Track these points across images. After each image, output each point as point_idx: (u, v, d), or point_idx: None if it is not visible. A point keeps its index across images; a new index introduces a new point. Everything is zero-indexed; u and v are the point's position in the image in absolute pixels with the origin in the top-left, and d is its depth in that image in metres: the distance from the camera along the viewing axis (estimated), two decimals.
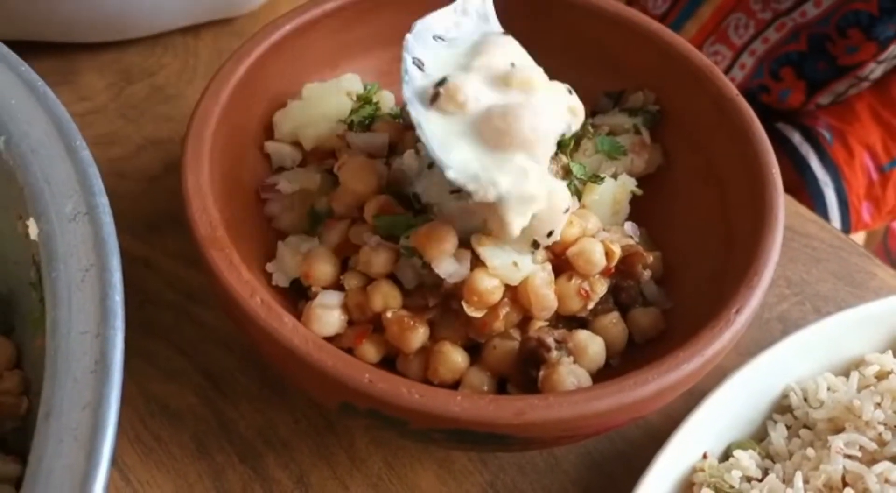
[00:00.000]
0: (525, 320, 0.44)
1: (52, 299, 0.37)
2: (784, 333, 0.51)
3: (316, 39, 0.52)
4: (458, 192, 0.41)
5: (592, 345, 0.43)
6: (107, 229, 0.38)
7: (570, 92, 0.44)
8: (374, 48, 0.55)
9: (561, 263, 0.44)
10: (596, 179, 0.47)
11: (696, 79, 0.51)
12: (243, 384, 0.49)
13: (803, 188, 0.88)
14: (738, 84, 0.89)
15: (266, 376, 0.49)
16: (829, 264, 0.59)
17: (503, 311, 0.42)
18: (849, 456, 0.42)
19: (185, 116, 0.56)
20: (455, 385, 0.43)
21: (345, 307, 0.44)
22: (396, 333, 0.43)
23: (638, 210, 0.50)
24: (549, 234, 0.42)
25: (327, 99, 0.51)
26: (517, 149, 0.40)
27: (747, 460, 0.43)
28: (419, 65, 0.42)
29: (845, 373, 0.48)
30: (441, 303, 0.43)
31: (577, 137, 0.49)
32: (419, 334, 0.43)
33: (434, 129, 0.40)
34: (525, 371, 0.42)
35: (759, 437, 0.47)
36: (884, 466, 0.41)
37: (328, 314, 0.43)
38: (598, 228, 0.46)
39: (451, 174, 0.39)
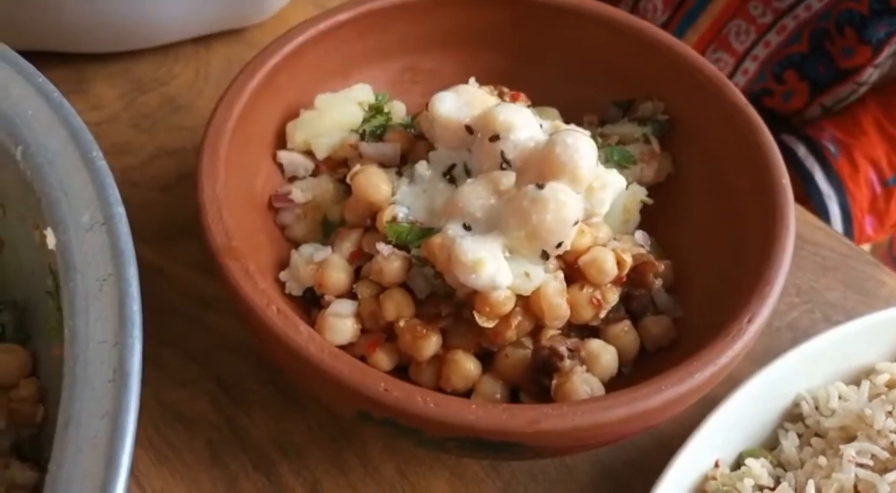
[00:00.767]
0: (537, 328, 0.44)
1: (70, 308, 0.37)
2: (794, 341, 0.51)
3: (328, 50, 0.53)
4: None
5: (605, 354, 0.43)
6: (124, 239, 0.39)
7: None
8: (387, 58, 0.55)
9: (573, 272, 0.44)
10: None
11: (705, 88, 0.51)
12: (256, 392, 0.49)
13: (807, 201, 0.88)
14: (741, 89, 0.90)
15: (279, 383, 0.49)
16: (837, 273, 0.59)
17: (515, 320, 0.43)
18: (861, 465, 0.42)
19: (197, 126, 0.57)
20: (467, 394, 0.44)
21: (358, 316, 0.44)
22: (409, 341, 0.43)
23: (648, 219, 0.50)
24: (559, 245, 0.42)
25: (340, 109, 0.51)
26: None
27: (759, 468, 0.43)
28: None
29: (856, 382, 0.48)
30: (453, 312, 0.44)
31: None
32: (432, 343, 0.43)
33: None
34: (537, 380, 0.43)
35: (769, 445, 0.47)
36: None
37: (341, 323, 0.43)
38: (610, 237, 0.46)
39: None
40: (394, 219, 0.45)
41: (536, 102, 0.53)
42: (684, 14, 0.91)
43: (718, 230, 0.49)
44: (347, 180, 0.47)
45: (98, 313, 0.36)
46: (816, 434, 0.46)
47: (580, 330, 0.45)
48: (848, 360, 0.49)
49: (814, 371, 0.48)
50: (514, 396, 0.44)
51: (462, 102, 0.47)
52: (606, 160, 0.51)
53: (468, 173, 0.47)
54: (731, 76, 0.92)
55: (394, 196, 0.46)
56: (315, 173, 0.51)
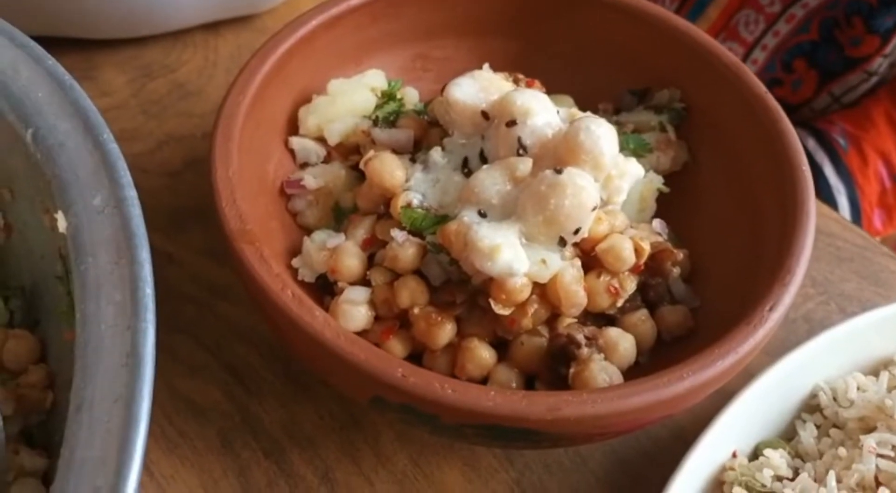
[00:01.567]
0: (553, 316, 0.43)
1: (82, 292, 0.36)
2: (810, 332, 0.51)
3: (341, 35, 0.52)
4: None
5: (623, 342, 0.43)
6: (136, 222, 0.38)
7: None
8: (399, 44, 0.55)
9: (590, 260, 0.44)
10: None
11: (722, 76, 0.51)
12: (268, 380, 0.48)
13: (816, 195, 0.87)
14: None
15: (290, 371, 0.49)
16: (853, 264, 0.59)
17: (532, 308, 0.42)
18: (881, 456, 0.41)
19: (206, 113, 0.56)
20: (482, 382, 0.43)
21: (371, 303, 0.43)
22: (423, 329, 0.42)
23: (664, 208, 0.50)
24: (577, 231, 0.42)
25: (352, 95, 0.51)
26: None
27: (778, 459, 0.43)
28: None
29: (874, 373, 0.48)
30: (468, 299, 0.43)
31: None
32: (446, 331, 0.42)
33: None
34: (554, 368, 0.42)
35: (787, 437, 0.46)
36: None
37: (355, 310, 0.43)
38: (626, 225, 0.46)
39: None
40: (408, 205, 0.44)
41: (551, 90, 0.52)
42: (693, 4, 0.90)
43: (736, 219, 0.48)
44: (360, 167, 0.47)
45: (110, 296, 0.36)
46: (835, 425, 0.46)
47: (597, 319, 0.45)
48: (866, 351, 0.48)
49: (831, 362, 0.48)
50: (529, 385, 0.44)
51: (478, 88, 0.46)
52: (622, 148, 0.50)
53: (484, 160, 0.46)
54: None
55: (408, 183, 0.45)
56: (327, 160, 0.51)
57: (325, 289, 0.45)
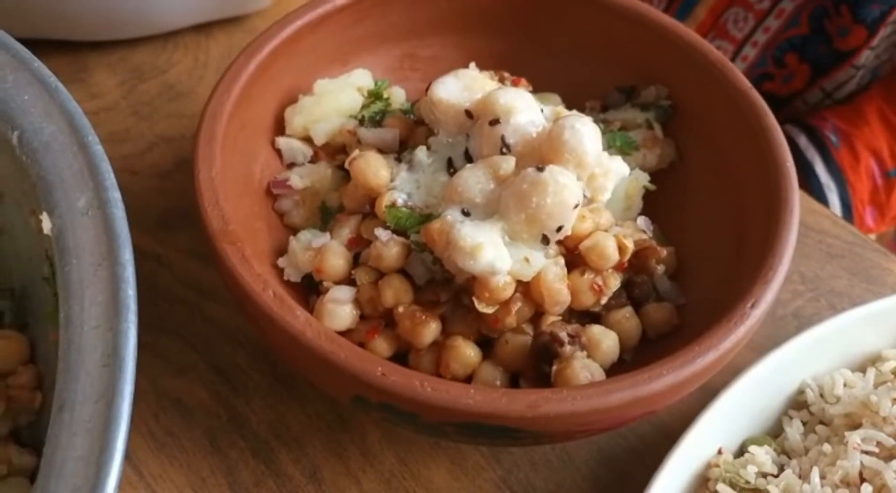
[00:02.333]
0: (537, 314, 0.43)
1: (65, 293, 0.37)
2: (799, 329, 0.50)
3: (327, 35, 0.52)
4: None
5: (606, 340, 0.43)
6: (119, 223, 0.38)
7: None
8: (386, 44, 0.55)
9: (574, 257, 0.44)
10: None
11: (708, 73, 0.50)
12: (255, 380, 0.49)
13: (807, 192, 0.87)
14: None
15: (277, 371, 0.49)
16: (843, 261, 0.58)
17: (515, 306, 0.42)
18: (866, 452, 0.41)
19: (197, 114, 0.56)
20: (467, 381, 0.43)
21: (356, 302, 0.44)
22: (408, 328, 0.42)
23: (650, 205, 0.50)
24: (559, 229, 0.42)
25: (338, 95, 0.51)
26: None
27: (763, 455, 0.43)
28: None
29: (861, 369, 0.48)
30: (453, 298, 0.43)
31: None
32: (431, 329, 0.43)
33: None
34: (538, 366, 0.42)
35: (774, 433, 0.46)
36: None
37: (340, 309, 0.43)
38: (611, 222, 0.46)
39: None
40: (393, 204, 0.44)
41: (538, 88, 0.53)
42: (681, 3, 0.90)
43: (722, 216, 0.48)
44: (346, 166, 0.47)
45: (93, 297, 0.36)
46: (821, 422, 0.46)
47: (581, 317, 0.45)
48: (853, 347, 0.48)
49: (818, 358, 0.47)
50: (514, 383, 0.44)
51: (462, 86, 0.46)
52: (609, 146, 0.50)
53: (469, 159, 0.46)
54: None
55: (393, 182, 0.46)
56: (313, 160, 0.51)
57: (310, 289, 0.45)
